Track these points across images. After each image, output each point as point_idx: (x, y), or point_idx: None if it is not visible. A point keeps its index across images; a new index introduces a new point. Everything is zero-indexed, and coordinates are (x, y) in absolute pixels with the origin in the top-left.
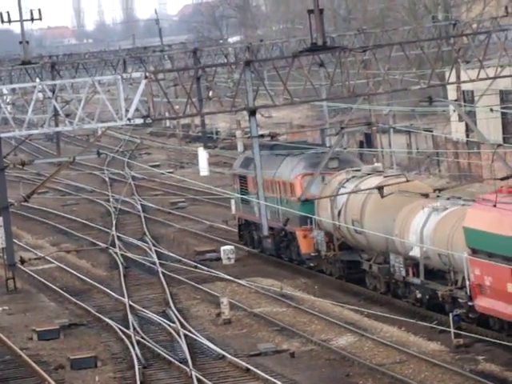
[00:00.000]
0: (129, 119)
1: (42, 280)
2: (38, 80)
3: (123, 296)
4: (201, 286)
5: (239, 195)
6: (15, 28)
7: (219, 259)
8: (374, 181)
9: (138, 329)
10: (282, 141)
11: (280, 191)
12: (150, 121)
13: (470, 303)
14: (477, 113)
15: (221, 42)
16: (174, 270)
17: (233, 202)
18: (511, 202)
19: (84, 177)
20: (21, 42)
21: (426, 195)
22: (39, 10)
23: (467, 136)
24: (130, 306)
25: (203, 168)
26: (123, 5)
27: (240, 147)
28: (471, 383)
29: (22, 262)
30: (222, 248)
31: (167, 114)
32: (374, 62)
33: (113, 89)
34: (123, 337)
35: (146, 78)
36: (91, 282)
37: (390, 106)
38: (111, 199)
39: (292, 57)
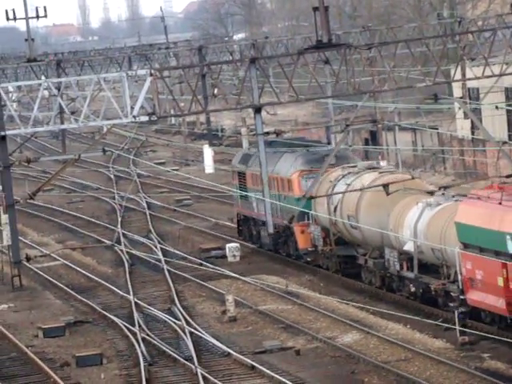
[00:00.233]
0: (134, 116)
1: (48, 277)
2: (43, 77)
3: (129, 293)
4: (206, 284)
5: (238, 191)
6: (21, 25)
7: (224, 257)
8: (369, 177)
9: (144, 326)
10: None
11: (278, 187)
12: (156, 118)
13: (461, 297)
14: (482, 110)
15: (226, 39)
16: (180, 267)
17: None
18: (501, 197)
19: (89, 174)
20: (26, 40)
21: (431, 193)
22: (45, 8)
23: (472, 133)
24: (135, 303)
25: (208, 165)
26: (128, 2)
27: (245, 145)
28: (476, 381)
29: (28, 259)
30: (228, 245)
31: (172, 112)
32: (379, 59)
33: (118, 86)
34: (129, 334)
35: (151, 75)
36: (97, 279)
37: (395, 104)
38: (117, 196)
39: (297, 54)
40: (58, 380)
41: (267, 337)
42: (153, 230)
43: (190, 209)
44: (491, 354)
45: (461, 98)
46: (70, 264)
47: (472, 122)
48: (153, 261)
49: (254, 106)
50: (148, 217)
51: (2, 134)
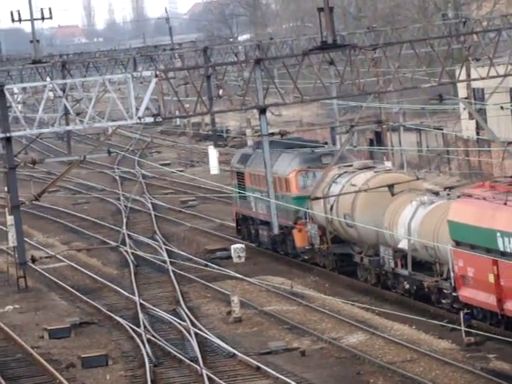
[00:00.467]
0: (139, 118)
1: (53, 278)
2: (48, 79)
3: (134, 294)
4: (211, 285)
5: (237, 190)
6: (26, 27)
7: (229, 257)
8: (365, 176)
9: (149, 327)
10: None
11: (276, 187)
12: (161, 119)
13: (454, 294)
14: (487, 111)
15: (231, 40)
16: (185, 268)
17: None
18: (492, 196)
19: (95, 175)
20: (31, 41)
21: (436, 193)
22: (50, 9)
23: (477, 134)
24: (140, 304)
25: (213, 166)
26: (133, 3)
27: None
28: (482, 382)
29: (33, 260)
30: (233, 246)
31: (177, 113)
32: (384, 60)
33: (123, 87)
34: (134, 335)
35: (156, 76)
36: (102, 280)
37: (400, 104)
38: (122, 198)
39: (302, 55)
40: (64, 381)
41: (272, 338)
42: (158, 231)
43: (195, 210)
44: (497, 355)
45: (466, 98)
46: (76, 265)
47: (477, 123)
48: (158, 262)
49: (259, 106)
50: (153, 218)
51: (8, 135)
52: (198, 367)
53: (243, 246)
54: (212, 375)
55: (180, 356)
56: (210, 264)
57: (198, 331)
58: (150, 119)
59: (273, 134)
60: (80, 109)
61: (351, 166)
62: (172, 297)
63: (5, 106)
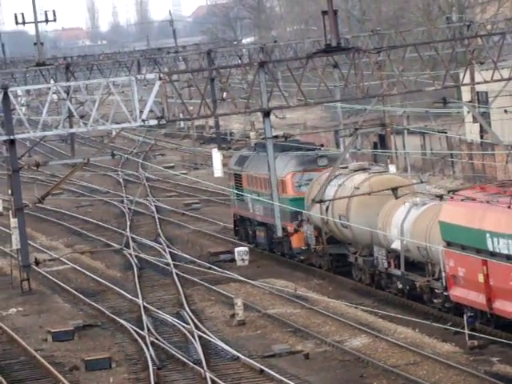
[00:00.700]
0: (143, 120)
1: (57, 281)
2: (52, 81)
3: (137, 297)
4: (215, 288)
5: (235, 192)
6: (30, 29)
7: (233, 260)
8: (359, 177)
9: (153, 330)
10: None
11: None
12: (164, 122)
13: (445, 293)
14: (491, 114)
15: (235, 43)
16: (188, 271)
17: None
18: (482, 197)
19: (98, 178)
20: (35, 44)
21: (440, 196)
22: (53, 12)
23: (481, 137)
24: (144, 307)
25: (217, 169)
26: (137, 6)
27: None
28: None
29: (37, 263)
30: (236, 249)
31: (181, 116)
32: (388, 63)
33: (127, 90)
34: (137, 338)
35: (160, 79)
36: (105, 283)
37: (404, 107)
38: (125, 200)
39: (306, 58)
40: None
41: (276, 340)
42: (161, 234)
43: (199, 212)
44: (500, 358)
45: (470, 101)
46: (79, 268)
47: (481, 126)
48: (161, 264)
49: (263, 109)
50: (157, 220)
51: (11, 137)
52: (201, 370)
53: (247, 249)
54: (215, 378)
55: (184, 359)
56: (213, 267)
57: (202, 334)
58: (153, 122)
59: (277, 136)
60: (84, 111)
61: (346, 167)
62: (176, 299)
63: (9, 108)
